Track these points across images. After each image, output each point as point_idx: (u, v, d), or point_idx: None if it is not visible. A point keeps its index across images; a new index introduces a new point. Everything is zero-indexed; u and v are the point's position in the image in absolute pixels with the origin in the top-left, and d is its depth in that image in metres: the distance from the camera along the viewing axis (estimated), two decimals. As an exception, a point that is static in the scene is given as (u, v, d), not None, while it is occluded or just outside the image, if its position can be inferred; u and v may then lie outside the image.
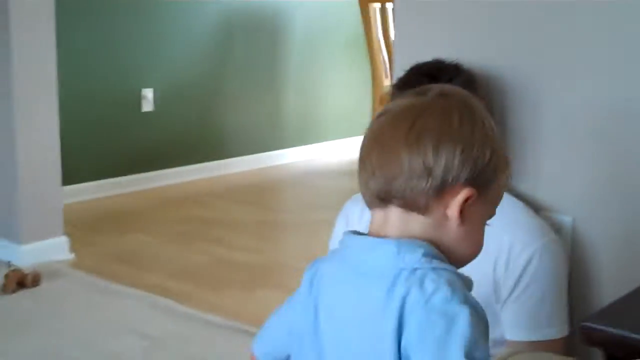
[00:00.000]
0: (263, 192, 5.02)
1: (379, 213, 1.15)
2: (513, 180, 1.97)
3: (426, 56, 1.86)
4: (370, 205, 1.17)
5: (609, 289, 1.83)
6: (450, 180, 1.09)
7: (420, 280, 1.05)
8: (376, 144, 1.15)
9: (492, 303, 1.74)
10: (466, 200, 1.10)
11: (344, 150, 5.87)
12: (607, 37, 1.81)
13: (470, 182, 1.10)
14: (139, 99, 4.88)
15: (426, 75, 1.73)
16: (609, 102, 1.81)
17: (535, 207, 1.88)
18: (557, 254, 1.76)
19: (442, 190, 1.10)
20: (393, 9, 3.72)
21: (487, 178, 1.12)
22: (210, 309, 3.03)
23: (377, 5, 4.59)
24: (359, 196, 1.98)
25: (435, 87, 1.16)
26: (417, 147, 1.09)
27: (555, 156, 1.89)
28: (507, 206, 1.81)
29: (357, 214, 1.93)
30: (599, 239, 1.84)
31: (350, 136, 5.93)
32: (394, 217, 1.13)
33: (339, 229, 1.99)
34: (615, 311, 0.85)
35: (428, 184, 1.09)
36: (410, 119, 1.11)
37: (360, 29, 4.77)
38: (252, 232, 4.13)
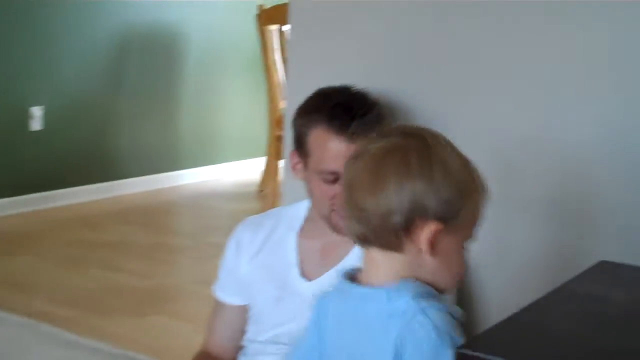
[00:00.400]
0: (157, 214, 4.91)
1: (367, 255, 1.26)
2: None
3: (320, 80, 1.84)
4: (359, 247, 1.28)
5: (482, 316, 1.84)
6: (415, 217, 1.18)
7: (410, 327, 1.16)
8: (349, 190, 1.25)
9: None
10: (434, 233, 1.19)
11: (240, 172, 5.83)
12: (511, 67, 1.82)
13: (436, 216, 1.19)
14: (26, 117, 4.72)
15: (340, 105, 1.70)
16: (511, 130, 1.83)
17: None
18: None
19: (409, 228, 1.19)
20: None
21: (453, 209, 1.20)
22: (98, 336, 2.93)
23: (275, 27, 4.57)
24: (251, 220, 1.94)
25: (396, 130, 1.28)
26: (381, 191, 1.19)
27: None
28: None
29: (247, 238, 1.90)
30: (473, 267, 1.84)
31: (246, 158, 5.89)
32: (378, 257, 1.23)
33: (230, 253, 1.94)
34: (489, 337, 0.86)
35: (396, 223, 1.18)
36: (374, 164, 1.22)
37: (258, 50, 4.75)
38: (144, 256, 4.03)
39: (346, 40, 2.04)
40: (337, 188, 1.67)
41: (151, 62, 5.41)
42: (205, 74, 5.75)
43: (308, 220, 1.87)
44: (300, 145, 1.76)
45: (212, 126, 5.84)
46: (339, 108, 1.68)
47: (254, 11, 4.67)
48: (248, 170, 5.82)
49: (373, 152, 1.23)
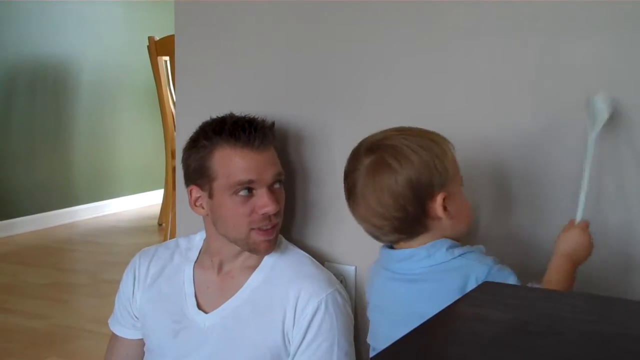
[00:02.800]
0: (52, 253, 4.77)
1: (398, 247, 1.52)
2: (299, 234, 1.95)
3: (208, 110, 1.83)
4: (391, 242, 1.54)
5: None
6: (425, 200, 1.43)
7: (470, 268, 1.43)
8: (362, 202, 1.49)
9: (282, 356, 1.72)
10: (444, 201, 1.44)
11: (139, 206, 5.73)
12: (398, 96, 1.84)
13: (437, 186, 1.43)
14: None
15: (238, 123, 1.74)
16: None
17: (320, 258, 1.88)
18: (342, 303, 1.76)
19: (424, 209, 1.44)
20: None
21: (446, 176, 1.44)
22: (-11, 383, 2.81)
23: (166, 58, 4.53)
24: (147, 250, 1.93)
25: (362, 148, 1.48)
26: (388, 200, 1.44)
27: (338, 207, 1.89)
28: (293, 259, 1.81)
29: (143, 269, 1.90)
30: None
31: (145, 191, 5.81)
32: (410, 244, 1.49)
33: (125, 285, 1.94)
34: (397, 350, 0.86)
35: (413, 213, 1.44)
36: (368, 180, 1.46)
37: (152, 81, 4.69)
38: (39, 296, 3.90)
39: (230, 69, 2.03)
40: (254, 202, 1.70)
41: (41, 98, 5.29)
42: (99, 108, 5.66)
43: (203, 251, 1.86)
44: (201, 175, 1.75)
45: (108, 160, 5.74)
46: (238, 126, 1.72)
47: (146, 42, 4.61)
48: (147, 203, 5.73)
49: (363, 169, 1.46)
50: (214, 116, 1.80)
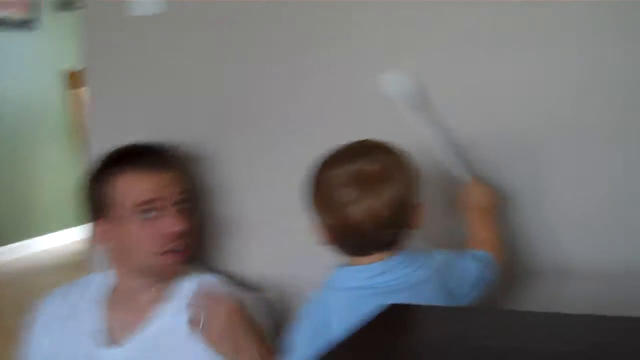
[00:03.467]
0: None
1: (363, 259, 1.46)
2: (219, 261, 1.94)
3: (120, 138, 1.84)
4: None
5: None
6: (406, 209, 1.43)
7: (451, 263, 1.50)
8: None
9: None
10: (421, 210, 1.45)
11: (63, 242, 5.63)
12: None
13: (415, 196, 1.44)
14: None
15: (137, 149, 1.78)
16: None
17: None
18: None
19: (408, 220, 1.43)
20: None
21: (414, 183, 1.44)
22: None
23: (83, 89, 4.49)
24: (57, 291, 1.90)
25: (369, 143, 1.46)
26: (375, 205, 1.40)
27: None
28: (206, 283, 1.79)
29: (51, 310, 1.86)
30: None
31: (69, 227, 5.69)
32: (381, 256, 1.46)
33: (34, 330, 1.86)
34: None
35: (398, 223, 1.43)
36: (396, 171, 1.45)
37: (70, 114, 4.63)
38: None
39: (140, 97, 2.03)
40: (161, 223, 1.70)
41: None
42: (15, 144, 5.54)
43: (115, 287, 1.83)
44: (106, 205, 1.73)
45: (27, 197, 5.62)
46: (138, 152, 1.75)
47: (60, 75, 4.55)
48: (72, 239, 5.63)
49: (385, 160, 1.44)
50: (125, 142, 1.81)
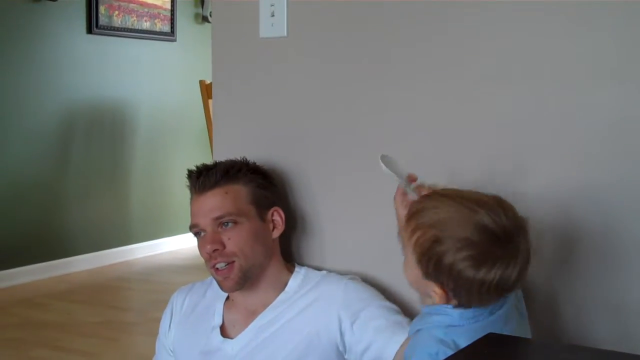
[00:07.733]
0: (105, 291, 4.86)
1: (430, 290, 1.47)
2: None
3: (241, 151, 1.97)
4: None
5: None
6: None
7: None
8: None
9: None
10: None
11: (191, 244, 5.79)
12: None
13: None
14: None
15: (194, 172, 1.93)
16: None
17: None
18: (360, 281, 1.88)
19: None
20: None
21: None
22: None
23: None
24: (185, 287, 2.01)
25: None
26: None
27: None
28: (313, 278, 1.89)
29: (179, 304, 2.00)
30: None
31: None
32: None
33: (165, 322, 2.02)
34: None
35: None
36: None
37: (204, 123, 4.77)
38: (92, 334, 3.98)
39: (264, 110, 2.11)
40: (207, 243, 1.81)
41: (98, 138, 5.42)
42: (154, 147, 5.77)
43: None
44: None
45: (162, 199, 5.83)
46: (194, 174, 1.91)
47: (198, 85, 4.71)
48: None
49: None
50: (247, 155, 1.95)
